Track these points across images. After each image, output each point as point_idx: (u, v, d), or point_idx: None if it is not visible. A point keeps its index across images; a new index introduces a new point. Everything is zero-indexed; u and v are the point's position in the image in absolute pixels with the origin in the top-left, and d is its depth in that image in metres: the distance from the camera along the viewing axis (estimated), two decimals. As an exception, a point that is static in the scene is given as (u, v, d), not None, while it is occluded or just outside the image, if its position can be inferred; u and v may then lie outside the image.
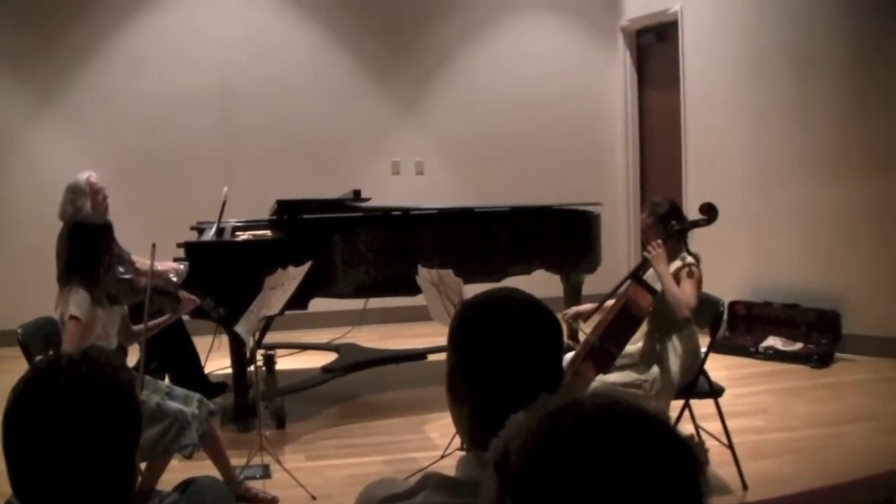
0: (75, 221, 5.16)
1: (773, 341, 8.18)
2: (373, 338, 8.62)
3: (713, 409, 5.16)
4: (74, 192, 6.59)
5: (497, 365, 1.92)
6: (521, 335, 1.95)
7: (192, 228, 7.52)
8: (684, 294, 4.94)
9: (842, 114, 8.10)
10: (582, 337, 5.14)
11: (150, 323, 5.03)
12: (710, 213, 5.20)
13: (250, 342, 5.64)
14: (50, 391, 1.75)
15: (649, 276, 5.17)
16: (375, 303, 7.67)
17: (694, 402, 5.23)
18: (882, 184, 7.92)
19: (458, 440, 5.54)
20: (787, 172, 8.51)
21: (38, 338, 4.85)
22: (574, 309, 5.68)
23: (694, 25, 9.37)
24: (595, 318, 5.32)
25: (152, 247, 4.96)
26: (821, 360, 7.82)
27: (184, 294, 5.40)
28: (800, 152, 8.38)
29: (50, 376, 1.79)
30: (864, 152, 7.99)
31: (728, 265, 8.35)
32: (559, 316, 4.88)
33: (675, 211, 5.27)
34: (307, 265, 5.66)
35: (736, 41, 8.90)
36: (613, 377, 4.91)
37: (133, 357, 5.77)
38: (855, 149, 8.03)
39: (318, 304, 6.64)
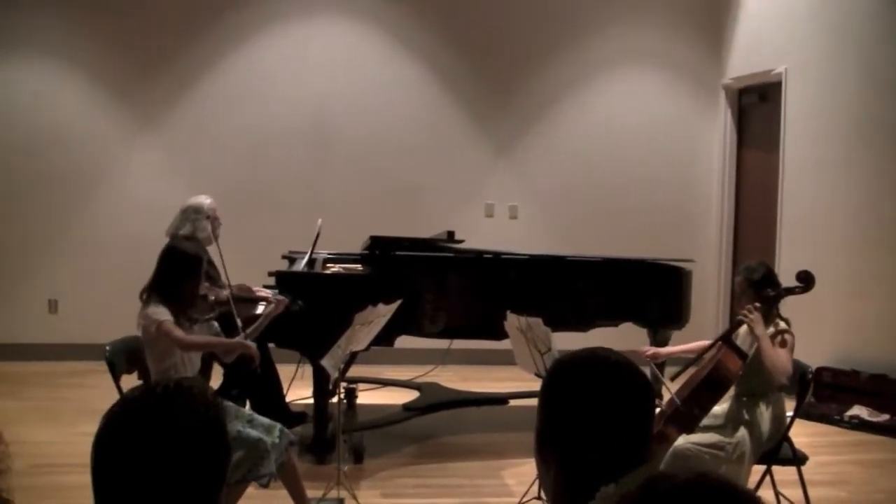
0: (172, 245, 5.24)
1: (858, 411, 8.01)
2: (454, 378, 8.59)
3: (795, 477, 5.08)
4: (197, 213, 6.75)
5: (587, 429, 1.92)
6: (613, 400, 1.93)
7: (284, 257, 7.59)
8: (780, 360, 4.90)
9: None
10: (666, 395, 5.10)
11: (250, 329, 5.14)
12: (806, 281, 5.15)
13: (335, 375, 5.66)
14: (142, 420, 1.75)
15: (740, 339, 5.14)
16: (459, 343, 7.64)
17: (776, 469, 5.16)
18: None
19: (534, 489, 5.52)
20: (881, 242, 8.36)
21: (123, 356, 4.96)
22: (653, 349, 5.67)
23: (797, 89, 9.27)
24: (682, 379, 5.28)
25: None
26: (907, 433, 7.65)
27: (272, 297, 5.55)
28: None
29: (143, 405, 1.79)
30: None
31: (816, 331, 8.21)
32: (635, 353, 4.87)
33: (770, 277, 5.22)
34: (396, 304, 5.69)
35: (838, 107, 8.78)
36: (696, 437, 4.87)
37: (216, 381, 5.83)
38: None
39: (402, 341, 6.64)
